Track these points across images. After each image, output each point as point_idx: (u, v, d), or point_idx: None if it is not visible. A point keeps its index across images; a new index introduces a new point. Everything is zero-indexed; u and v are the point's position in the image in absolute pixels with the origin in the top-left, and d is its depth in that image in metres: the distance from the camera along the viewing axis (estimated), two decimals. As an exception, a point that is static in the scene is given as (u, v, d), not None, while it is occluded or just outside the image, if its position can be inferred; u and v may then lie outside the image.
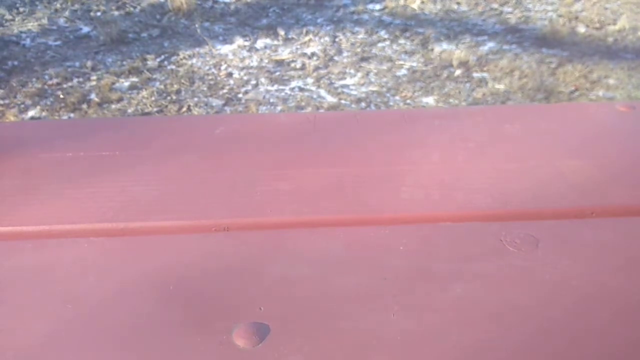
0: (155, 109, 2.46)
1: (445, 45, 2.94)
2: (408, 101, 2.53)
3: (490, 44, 2.95)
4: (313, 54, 2.87)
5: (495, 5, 3.36)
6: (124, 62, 2.77)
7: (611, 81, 2.64)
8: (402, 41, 3.00)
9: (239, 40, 2.99)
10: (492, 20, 3.21)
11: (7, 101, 2.49)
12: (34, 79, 2.63)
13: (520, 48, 2.91)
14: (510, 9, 3.32)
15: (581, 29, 3.10)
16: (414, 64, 2.79)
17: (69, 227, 0.65)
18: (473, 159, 0.75)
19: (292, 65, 2.78)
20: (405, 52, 2.89)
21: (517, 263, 0.58)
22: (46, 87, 2.59)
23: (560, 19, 3.21)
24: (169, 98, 2.53)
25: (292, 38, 3.02)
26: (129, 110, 2.45)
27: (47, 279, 0.59)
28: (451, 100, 2.53)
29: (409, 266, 0.58)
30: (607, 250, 0.60)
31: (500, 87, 2.60)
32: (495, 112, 0.91)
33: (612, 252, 0.59)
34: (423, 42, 2.98)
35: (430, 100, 2.53)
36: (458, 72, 2.72)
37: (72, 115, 2.41)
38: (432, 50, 2.91)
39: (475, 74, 2.70)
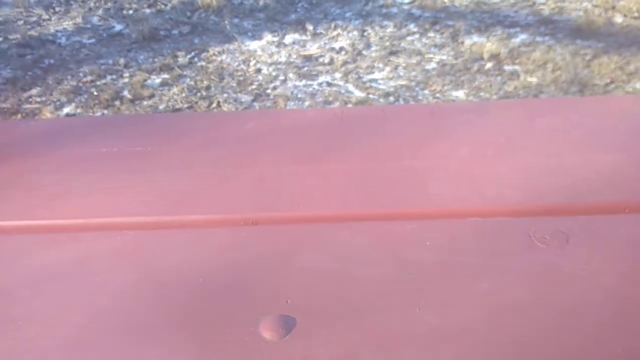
0: (185, 105, 2.49)
1: (475, 38, 2.89)
2: (437, 95, 2.50)
3: (523, 36, 2.89)
4: (341, 49, 2.86)
5: (527, -4, 3.29)
6: (156, 59, 2.82)
7: (649, 73, 2.55)
8: (431, 34, 2.96)
9: (268, 36, 3.00)
10: (525, 11, 3.13)
11: (43, 98, 2.56)
12: (69, 77, 2.70)
13: (554, 40, 2.84)
14: (543, 0, 3.24)
15: (618, 19, 3.01)
16: (444, 57, 2.75)
17: (103, 221, 0.67)
18: (503, 153, 0.74)
19: (320, 60, 2.78)
20: (435, 46, 2.86)
21: (546, 259, 0.57)
22: (81, 84, 2.65)
23: (596, 9, 3.11)
24: (199, 94, 2.56)
25: (321, 33, 3.02)
26: (161, 107, 2.49)
27: (82, 271, 0.61)
28: (482, 93, 2.49)
29: (436, 261, 0.58)
30: (641, 246, 0.58)
31: (533, 80, 2.54)
32: (527, 106, 0.90)
33: (646, 248, 0.58)
34: (453, 35, 2.93)
35: (460, 94, 2.50)
36: (489, 65, 2.67)
37: (105, 111, 2.46)
38: (463, 43, 2.86)
39: (506, 67, 2.65)
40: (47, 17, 3.25)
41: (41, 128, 0.90)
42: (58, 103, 2.53)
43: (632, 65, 2.60)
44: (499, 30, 2.95)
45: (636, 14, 3.04)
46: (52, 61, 2.84)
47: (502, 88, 2.51)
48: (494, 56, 2.72)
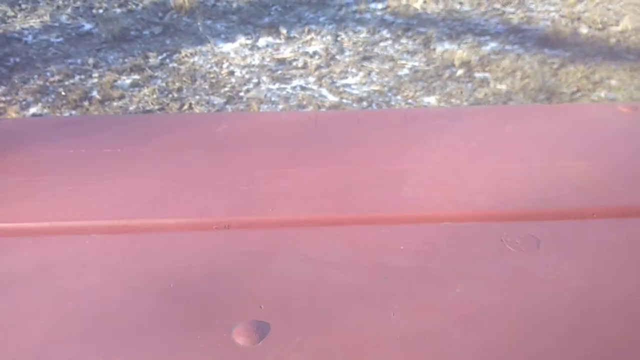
0: (156, 107, 2.46)
1: (447, 45, 2.94)
2: (410, 101, 2.53)
3: (493, 44, 2.95)
4: (315, 53, 2.87)
5: (497, 6, 3.36)
6: (126, 60, 2.77)
7: (613, 82, 2.64)
8: (404, 41, 2.99)
9: (241, 39, 2.99)
10: (495, 20, 3.20)
11: (8, 98, 2.49)
12: (35, 76, 2.64)
13: (523, 48, 2.91)
14: (512, 9, 3.32)
15: (584, 30, 3.10)
16: (416, 64, 2.79)
17: (70, 224, 0.66)
18: (474, 159, 0.75)
19: (294, 64, 2.78)
20: (407, 52, 2.89)
21: (517, 263, 0.58)
22: (48, 84, 2.59)
23: (563, 19, 3.20)
24: (170, 96, 2.53)
25: (294, 37, 3.02)
26: (131, 108, 2.45)
27: (48, 276, 0.59)
28: (453, 100, 2.53)
29: (409, 266, 0.58)
30: (608, 251, 0.60)
31: (502, 87, 2.60)
32: (497, 112, 0.91)
33: (613, 253, 0.60)
34: (425, 42, 2.97)
35: (432, 100, 2.53)
36: (460, 72, 2.71)
37: (73, 112, 2.41)
38: (434, 50, 2.91)
39: (477, 74, 2.70)
40: (12, 14, 3.16)
41: (5, 128, 0.88)
42: (24, 103, 2.46)
43: (597, 75, 2.68)
44: (470, 38, 3.01)
45: (600, 26, 3.14)
46: (17, 60, 2.76)
47: (473, 95, 2.55)
48: (465, 63, 2.77)
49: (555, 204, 0.67)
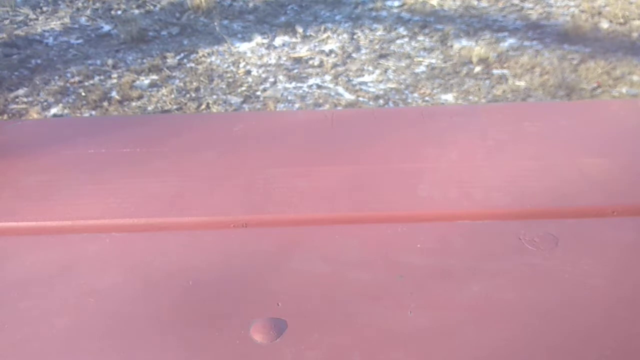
0: (174, 107, 2.48)
1: (464, 42, 2.91)
2: (427, 98, 2.52)
3: (511, 40, 2.91)
4: (331, 51, 2.87)
5: (515, 1, 3.32)
6: (144, 60, 2.80)
7: (635, 78, 2.59)
8: (421, 38, 2.97)
9: (258, 38, 3.00)
10: (513, 16, 3.16)
11: (30, 99, 2.54)
12: (56, 77, 2.68)
13: (542, 44, 2.87)
14: (531, 5, 3.27)
15: (604, 25, 3.05)
16: (433, 61, 2.77)
17: (91, 223, 0.67)
18: (492, 156, 0.75)
19: (310, 62, 2.78)
20: (424, 49, 2.87)
21: (535, 262, 0.58)
22: (68, 85, 2.63)
23: (583, 14, 3.15)
24: (188, 96, 2.55)
25: (310, 35, 3.02)
26: (149, 108, 2.47)
27: (69, 273, 0.60)
28: (471, 97, 2.50)
29: (426, 264, 0.58)
30: (629, 250, 0.59)
31: (521, 84, 2.57)
32: (515, 110, 0.90)
33: (634, 251, 0.59)
34: (442, 39, 2.95)
35: (449, 97, 2.51)
36: (478, 68, 2.69)
37: (93, 112, 2.44)
38: (452, 46, 2.88)
39: (495, 71, 2.67)
40: (34, 16, 3.22)
41: (28, 129, 0.89)
42: (45, 104, 2.51)
43: (618, 70, 2.64)
44: (488, 34, 2.98)
45: (621, 20, 3.08)
46: (39, 61, 2.81)
47: (491, 92, 2.53)
48: (483, 60, 2.74)
49: (575, 201, 0.66)
